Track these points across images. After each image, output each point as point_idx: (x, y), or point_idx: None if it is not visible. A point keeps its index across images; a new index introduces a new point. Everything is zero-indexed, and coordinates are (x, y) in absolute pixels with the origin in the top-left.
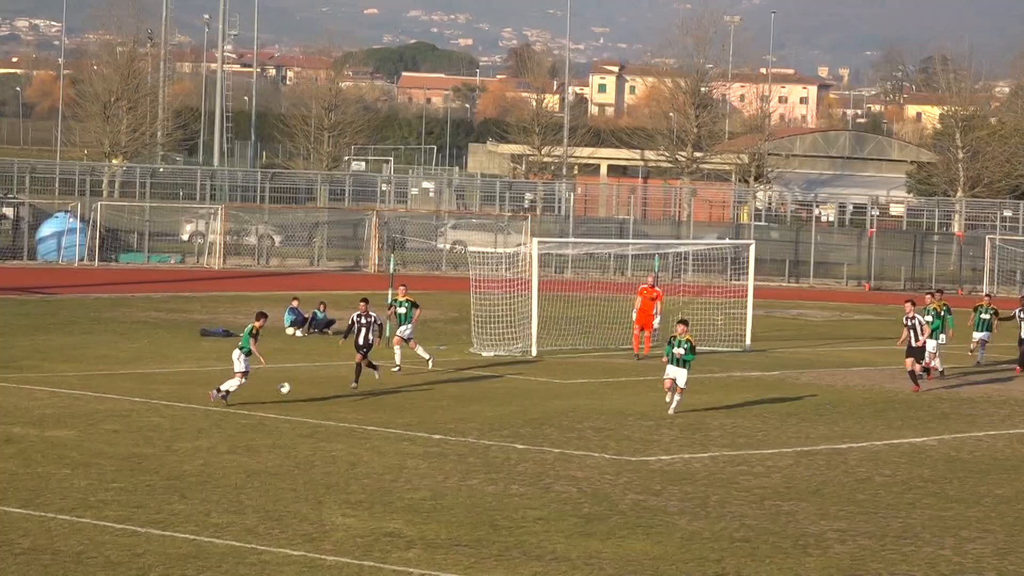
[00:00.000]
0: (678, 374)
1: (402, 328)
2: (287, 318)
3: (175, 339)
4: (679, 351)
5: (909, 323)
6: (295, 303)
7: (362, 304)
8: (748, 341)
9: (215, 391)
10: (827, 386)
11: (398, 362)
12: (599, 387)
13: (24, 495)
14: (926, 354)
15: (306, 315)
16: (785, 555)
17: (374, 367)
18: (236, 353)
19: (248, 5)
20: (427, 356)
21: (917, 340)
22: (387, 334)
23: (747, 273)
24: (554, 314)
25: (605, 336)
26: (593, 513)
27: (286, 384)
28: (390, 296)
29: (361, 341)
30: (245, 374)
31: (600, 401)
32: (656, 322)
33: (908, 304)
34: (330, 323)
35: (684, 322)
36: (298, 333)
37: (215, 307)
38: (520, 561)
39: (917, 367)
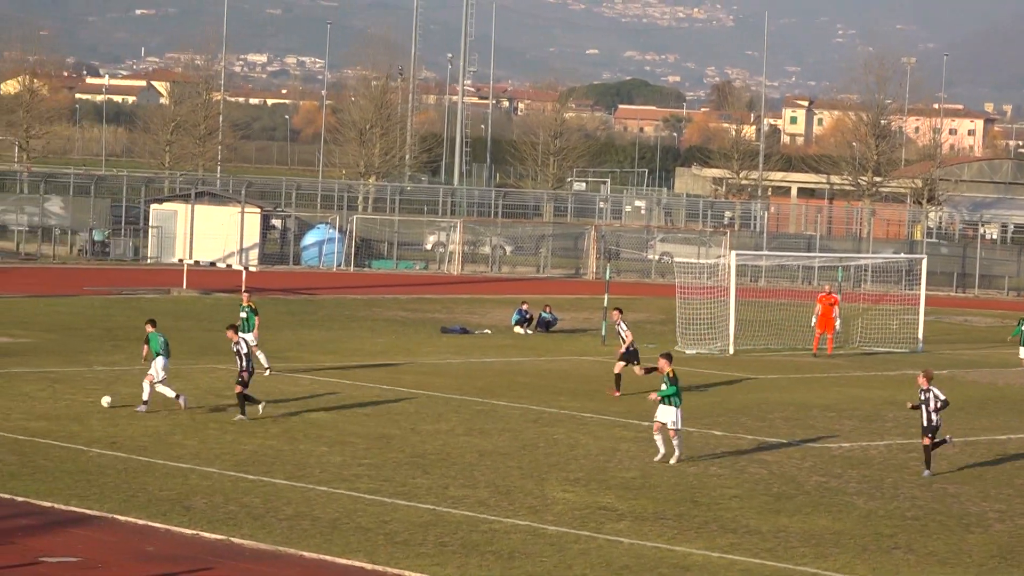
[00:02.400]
0: (666, 415)
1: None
2: (513, 318)
3: (418, 335)
4: (663, 388)
5: (923, 397)
6: (524, 306)
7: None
8: (920, 343)
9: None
10: (988, 384)
11: (266, 365)
12: (788, 382)
13: (288, 469)
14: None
15: (530, 315)
16: (950, 532)
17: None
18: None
19: (485, 46)
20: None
21: (930, 419)
22: None
23: (920, 284)
24: (749, 317)
25: (793, 337)
26: (782, 492)
27: (108, 397)
28: (605, 300)
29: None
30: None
31: (788, 394)
32: (837, 324)
33: (922, 377)
34: (554, 323)
35: (667, 356)
36: (527, 331)
37: (453, 308)
38: (717, 533)
39: (926, 440)
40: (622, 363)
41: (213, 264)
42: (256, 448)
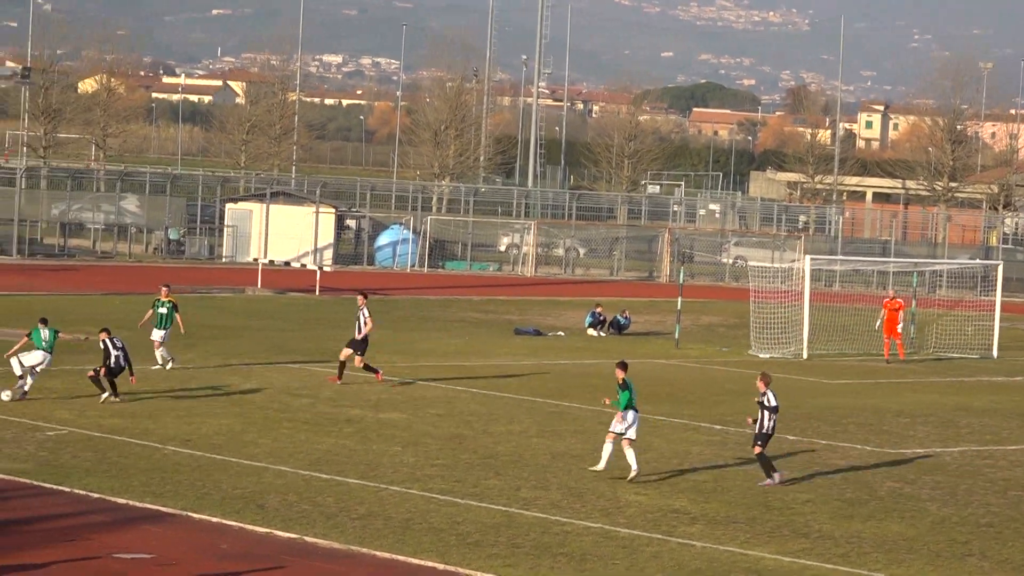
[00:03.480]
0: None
1: (163, 334)
2: (587, 320)
3: (491, 336)
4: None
5: (758, 401)
6: (598, 308)
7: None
8: (995, 350)
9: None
10: None
11: (170, 358)
12: (861, 387)
13: (361, 468)
14: None
15: (604, 318)
16: None
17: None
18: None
19: (560, 48)
20: (169, 359)
21: (762, 426)
22: None
23: (995, 290)
24: (823, 322)
25: (867, 343)
26: (854, 498)
27: (7, 392)
28: (679, 304)
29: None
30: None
31: (862, 399)
32: (900, 327)
33: (760, 381)
34: (627, 325)
35: (622, 365)
36: (600, 333)
37: (527, 309)
38: (790, 538)
39: (757, 449)
40: None
41: (287, 264)
42: (330, 447)
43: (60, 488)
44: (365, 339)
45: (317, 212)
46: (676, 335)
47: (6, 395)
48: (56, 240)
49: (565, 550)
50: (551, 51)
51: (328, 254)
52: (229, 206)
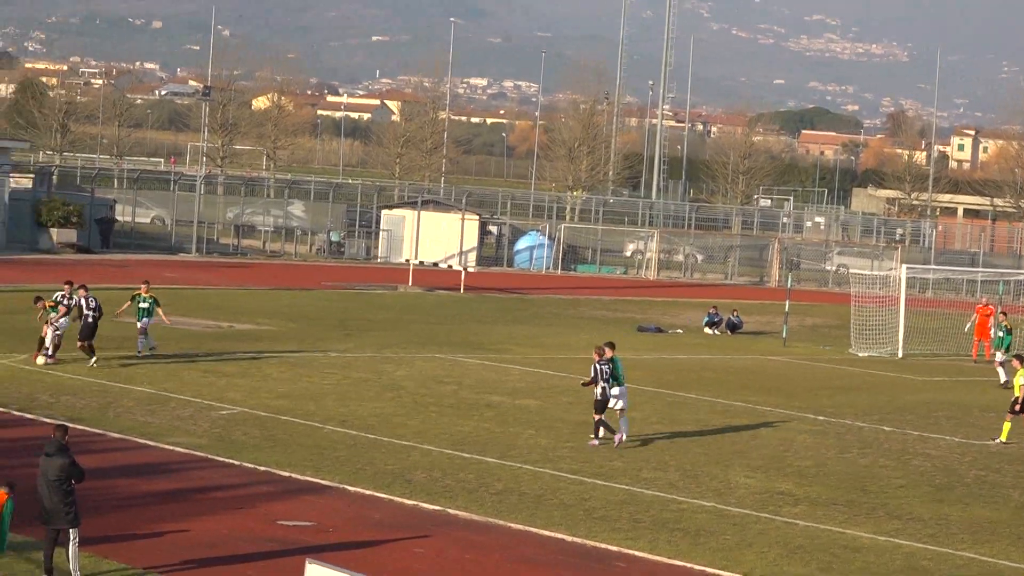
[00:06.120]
0: (618, 395)
1: (145, 321)
2: (704, 319)
3: (617, 333)
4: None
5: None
6: (713, 309)
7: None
8: None
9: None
10: None
11: (152, 346)
12: (951, 384)
13: (499, 449)
14: None
15: (719, 318)
16: None
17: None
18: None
19: (683, 74)
20: (151, 346)
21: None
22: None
23: None
24: (917, 325)
25: (957, 344)
26: (944, 484)
27: (42, 358)
28: (786, 306)
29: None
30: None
31: (952, 395)
32: (992, 332)
33: (597, 350)
34: (740, 325)
35: (610, 344)
36: (716, 332)
37: (649, 309)
38: (884, 519)
39: (596, 417)
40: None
41: (436, 264)
42: (471, 430)
43: (231, 461)
44: None
45: (463, 218)
46: (784, 334)
47: (41, 360)
48: (230, 240)
49: (681, 526)
50: (675, 77)
51: (472, 256)
52: (384, 212)
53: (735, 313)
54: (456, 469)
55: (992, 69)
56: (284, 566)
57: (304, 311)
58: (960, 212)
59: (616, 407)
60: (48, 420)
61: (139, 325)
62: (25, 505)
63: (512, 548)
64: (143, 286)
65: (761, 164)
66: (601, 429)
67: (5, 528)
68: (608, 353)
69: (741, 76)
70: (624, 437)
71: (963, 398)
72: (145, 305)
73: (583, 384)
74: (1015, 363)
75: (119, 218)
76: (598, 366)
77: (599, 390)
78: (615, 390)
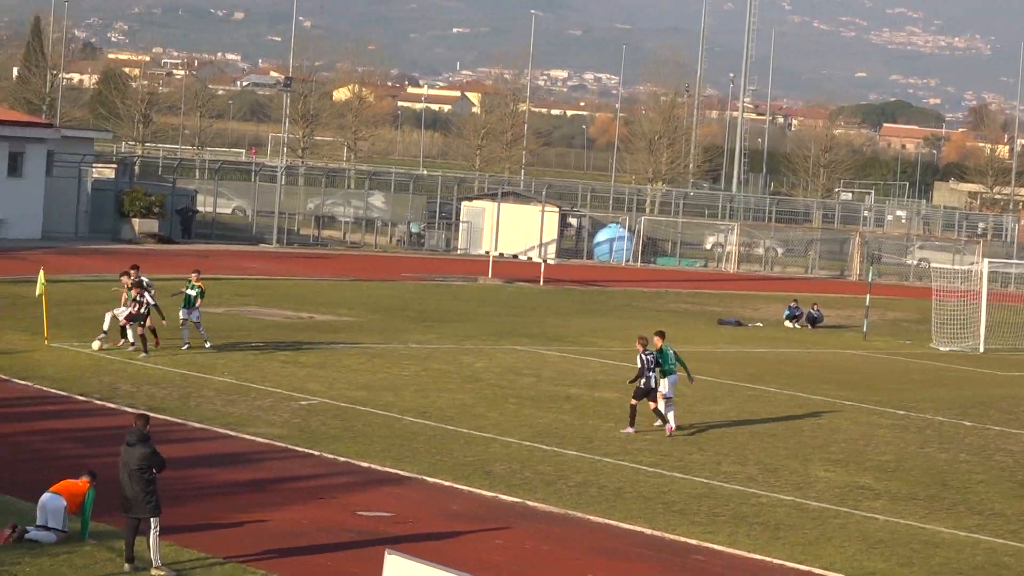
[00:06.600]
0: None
1: (187, 312)
2: (784, 313)
3: (697, 325)
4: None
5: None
6: (794, 303)
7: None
8: None
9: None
10: None
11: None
12: None
13: (578, 441)
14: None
15: (800, 311)
16: None
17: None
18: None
19: (764, 67)
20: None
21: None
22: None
23: None
24: (999, 320)
25: None
26: None
27: (96, 342)
28: (867, 300)
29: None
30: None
31: None
32: None
33: (640, 340)
34: (820, 319)
35: (660, 333)
36: (796, 326)
37: (729, 302)
38: (965, 514)
39: (652, 405)
40: None
41: (515, 256)
42: (550, 422)
43: (310, 452)
44: None
45: (543, 211)
46: (864, 328)
47: (95, 345)
48: (311, 231)
49: (760, 519)
50: (756, 70)
51: (552, 248)
52: (464, 204)
53: (815, 307)
54: (535, 461)
55: None
56: (363, 557)
57: (384, 302)
58: None
59: (665, 395)
60: (129, 409)
61: (181, 316)
62: (107, 494)
63: (590, 540)
64: (193, 275)
65: (842, 157)
66: (655, 418)
67: (87, 517)
68: (658, 343)
69: (822, 69)
70: (673, 425)
71: None
72: (193, 293)
73: (630, 382)
74: None
75: (200, 208)
76: (643, 356)
77: (642, 380)
78: (664, 381)
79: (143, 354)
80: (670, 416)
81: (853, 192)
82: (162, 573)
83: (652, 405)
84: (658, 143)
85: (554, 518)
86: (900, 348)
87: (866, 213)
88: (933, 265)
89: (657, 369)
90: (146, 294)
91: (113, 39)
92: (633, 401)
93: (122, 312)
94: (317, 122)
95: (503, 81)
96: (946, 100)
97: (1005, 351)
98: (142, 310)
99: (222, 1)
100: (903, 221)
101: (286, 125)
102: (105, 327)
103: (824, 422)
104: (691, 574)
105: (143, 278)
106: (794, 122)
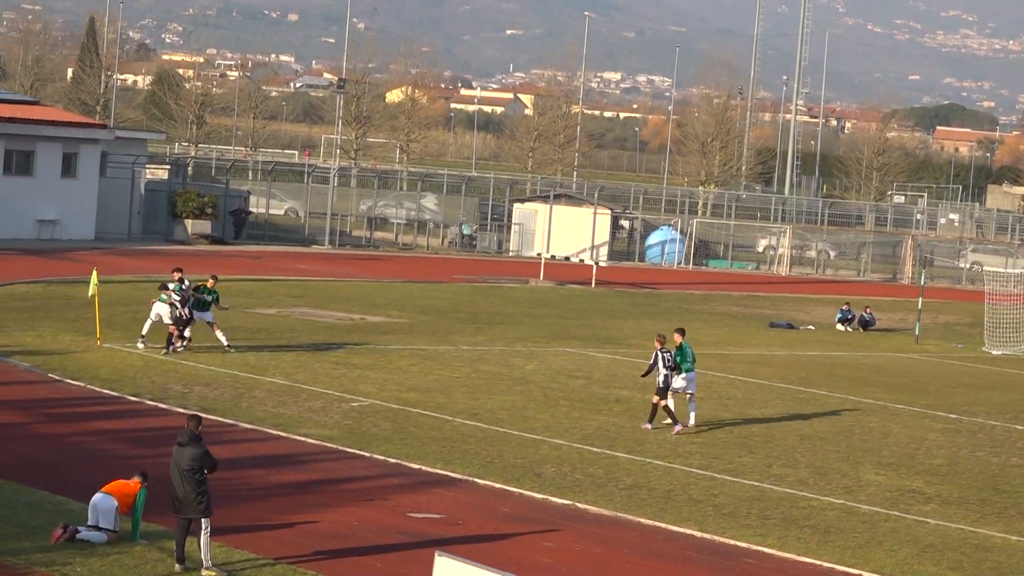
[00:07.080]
0: (685, 382)
1: (200, 315)
2: (837, 316)
3: (748, 328)
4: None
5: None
6: (846, 306)
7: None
8: None
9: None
10: None
11: (226, 343)
12: None
13: (629, 444)
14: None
15: (852, 314)
16: None
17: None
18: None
19: (817, 70)
20: (225, 341)
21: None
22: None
23: None
24: None
25: None
26: None
27: (141, 343)
28: (919, 303)
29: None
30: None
31: None
32: None
33: (658, 338)
34: (872, 322)
35: (680, 331)
36: (848, 329)
37: (781, 305)
38: (1016, 519)
39: (662, 402)
40: None
41: (567, 258)
42: (601, 424)
43: (362, 453)
44: None
45: (595, 213)
46: (916, 332)
47: (140, 345)
48: (363, 232)
49: (811, 523)
50: (809, 73)
51: (604, 251)
52: (516, 205)
53: (868, 310)
54: (585, 464)
55: None
56: (413, 558)
57: (435, 304)
58: None
59: (685, 391)
60: (181, 410)
61: (195, 318)
62: (158, 494)
63: (641, 543)
64: (210, 280)
65: (895, 160)
66: (664, 415)
67: (138, 517)
68: (678, 340)
69: (876, 72)
70: (692, 422)
71: None
72: (209, 298)
73: (642, 376)
74: None
75: (253, 210)
76: (660, 353)
77: (661, 377)
78: (681, 376)
79: (164, 352)
80: (691, 415)
81: (906, 195)
82: (212, 574)
83: (663, 402)
84: (711, 146)
85: (604, 520)
86: (952, 352)
87: (919, 216)
88: (986, 268)
89: (673, 370)
90: (173, 294)
91: (167, 40)
92: (657, 399)
93: (165, 315)
94: (370, 124)
95: (556, 83)
96: (1000, 103)
97: None
98: (183, 311)
99: (276, 2)
100: (956, 224)
101: (339, 127)
102: (175, 337)
103: (875, 425)
104: None
105: (176, 282)
106: (847, 125)
